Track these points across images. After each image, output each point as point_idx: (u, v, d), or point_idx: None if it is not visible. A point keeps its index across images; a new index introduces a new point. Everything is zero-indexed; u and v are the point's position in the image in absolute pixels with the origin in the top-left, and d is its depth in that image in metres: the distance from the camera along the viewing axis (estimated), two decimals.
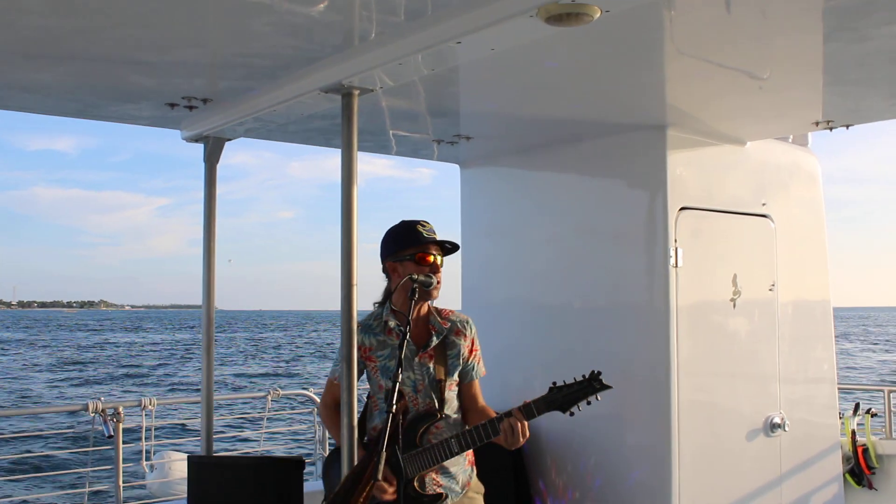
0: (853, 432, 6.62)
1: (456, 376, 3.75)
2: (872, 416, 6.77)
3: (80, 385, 40.20)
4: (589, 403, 3.44)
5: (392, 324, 3.72)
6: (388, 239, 3.74)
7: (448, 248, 3.74)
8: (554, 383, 3.46)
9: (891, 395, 7.08)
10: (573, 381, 3.44)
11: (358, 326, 3.54)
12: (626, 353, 4.80)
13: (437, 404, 3.67)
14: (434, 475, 3.65)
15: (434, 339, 3.71)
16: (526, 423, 3.45)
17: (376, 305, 3.85)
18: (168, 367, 51.01)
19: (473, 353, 3.81)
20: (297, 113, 4.14)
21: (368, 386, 3.84)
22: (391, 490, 3.47)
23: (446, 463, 3.62)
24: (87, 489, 6.72)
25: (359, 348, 3.61)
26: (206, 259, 4.84)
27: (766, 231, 5.30)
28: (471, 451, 3.74)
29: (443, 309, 3.82)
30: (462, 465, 3.75)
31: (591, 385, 3.43)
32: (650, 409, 4.67)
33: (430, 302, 3.78)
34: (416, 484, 3.59)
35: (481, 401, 3.82)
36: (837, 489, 5.65)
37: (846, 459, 6.49)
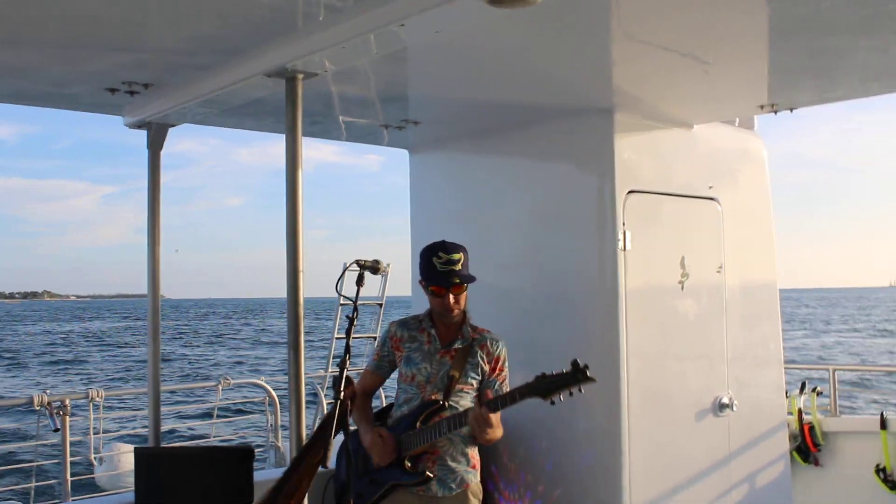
0: (800, 411, 6.75)
1: (469, 381, 4.03)
2: (818, 394, 6.92)
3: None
4: (571, 394, 3.61)
5: (426, 324, 4.15)
6: (419, 261, 4.15)
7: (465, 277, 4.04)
8: (543, 373, 3.64)
9: (836, 373, 7.23)
10: (560, 371, 3.61)
11: (396, 322, 4.23)
12: (576, 337, 4.82)
13: (441, 396, 3.96)
14: (430, 463, 3.94)
15: (458, 342, 4.07)
16: (489, 414, 3.72)
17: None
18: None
19: (498, 372, 4.10)
20: (241, 98, 4.08)
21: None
22: (387, 455, 3.91)
23: (447, 457, 3.95)
24: (33, 483, 6.59)
25: (391, 339, 4.19)
26: (151, 248, 4.77)
27: (714, 214, 5.35)
28: (476, 456, 4.08)
29: (479, 327, 4.18)
30: (464, 466, 4.02)
31: (576, 377, 3.59)
32: (601, 391, 4.65)
33: (467, 313, 4.17)
34: (407, 463, 3.91)
35: None
36: (784, 466, 5.75)
37: (793, 437, 6.62)
